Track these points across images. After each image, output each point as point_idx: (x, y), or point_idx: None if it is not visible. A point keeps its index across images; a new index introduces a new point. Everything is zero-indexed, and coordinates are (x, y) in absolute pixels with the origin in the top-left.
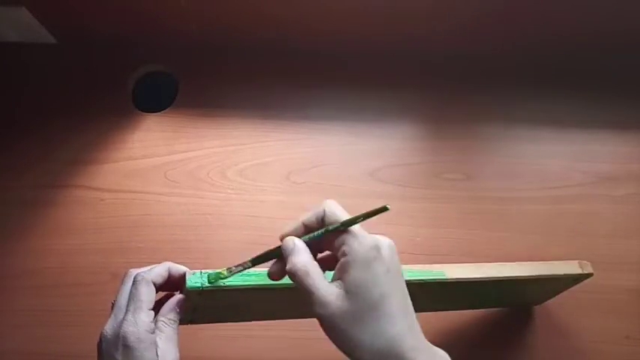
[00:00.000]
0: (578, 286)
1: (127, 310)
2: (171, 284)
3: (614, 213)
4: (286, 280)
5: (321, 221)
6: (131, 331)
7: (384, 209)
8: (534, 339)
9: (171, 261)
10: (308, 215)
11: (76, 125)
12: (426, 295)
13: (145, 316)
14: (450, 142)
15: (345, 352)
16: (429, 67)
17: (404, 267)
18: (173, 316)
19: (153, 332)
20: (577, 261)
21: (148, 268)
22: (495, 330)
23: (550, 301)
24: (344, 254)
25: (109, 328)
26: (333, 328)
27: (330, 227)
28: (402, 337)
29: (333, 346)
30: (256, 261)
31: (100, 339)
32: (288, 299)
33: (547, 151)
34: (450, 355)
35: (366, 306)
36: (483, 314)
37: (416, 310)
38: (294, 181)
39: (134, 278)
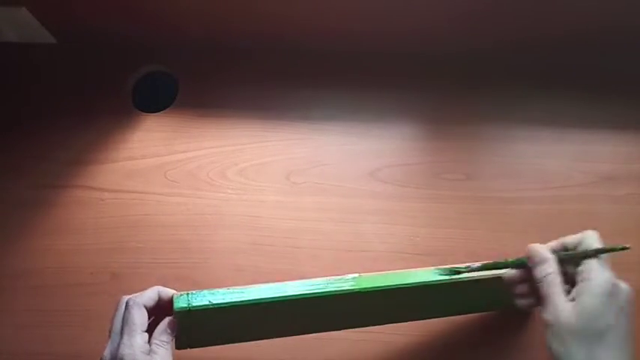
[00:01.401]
0: None
1: (122, 334)
2: (163, 308)
3: (614, 213)
4: (282, 293)
5: (574, 248)
6: (127, 353)
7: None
8: (534, 339)
9: (172, 261)
10: (571, 239)
11: (76, 125)
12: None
13: (140, 338)
14: (450, 142)
15: (556, 358)
16: (429, 67)
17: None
18: (165, 337)
19: (148, 354)
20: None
21: (139, 293)
22: (495, 330)
23: None
24: (587, 279)
25: (107, 352)
26: (557, 335)
27: (589, 251)
28: None
29: (334, 347)
30: (488, 267)
31: None
32: (287, 314)
33: (547, 151)
34: (450, 355)
35: (591, 330)
36: (482, 314)
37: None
38: (294, 181)
39: (126, 303)
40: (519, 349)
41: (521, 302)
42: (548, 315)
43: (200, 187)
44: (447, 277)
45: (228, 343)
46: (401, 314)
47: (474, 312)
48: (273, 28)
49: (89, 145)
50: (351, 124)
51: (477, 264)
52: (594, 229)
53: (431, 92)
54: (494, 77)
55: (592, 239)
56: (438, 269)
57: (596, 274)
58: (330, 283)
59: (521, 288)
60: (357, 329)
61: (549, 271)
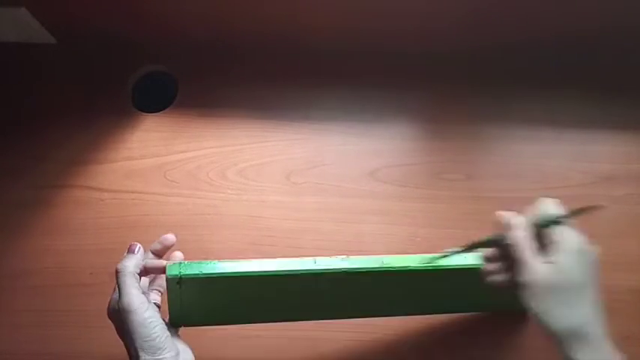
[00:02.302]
0: None
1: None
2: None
3: (614, 213)
4: (281, 267)
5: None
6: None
7: (593, 208)
8: (534, 339)
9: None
10: (531, 209)
11: (75, 125)
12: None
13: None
14: (450, 142)
15: (537, 317)
16: (429, 67)
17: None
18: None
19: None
20: None
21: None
22: (494, 330)
23: None
24: (559, 240)
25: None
26: (536, 294)
27: (554, 218)
28: (591, 323)
29: (334, 347)
30: (471, 247)
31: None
32: (277, 294)
33: (546, 151)
34: (449, 355)
35: (571, 286)
36: (482, 314)
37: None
38: (294, 181)
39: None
40: (519, 349)
41: (496, 279)
42: (525, 276)
43: (200, 187)
44: (427, 262)
45: (220, 324)
46: (391, 306)
47: (465, 311)
48: (273, 29)
49: (89, 145)
50: (351, 124)
51: (457, 248)
52: (594, 229)
53: (431, 92)
54: (495, 77)
55: (552, 207)
56: (423, 257)
57: (566, 234)
58: (320, 261)
59: (497, 265)
60: (355, 329)
61: (521, 234)
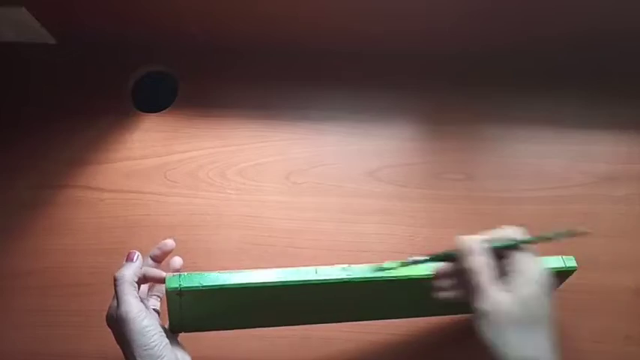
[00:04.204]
0: (578, 286)
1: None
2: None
3: (614, 213)
4: (271, 279)
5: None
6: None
7: (569, 233)
8: None
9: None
10: (493, 233)
11: (75, 125)
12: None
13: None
14: (450, 142)
15: (494, 348)
16: (429, 67)
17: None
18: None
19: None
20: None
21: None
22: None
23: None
24: (520, 270)
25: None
26: (494, 324)
27: (518, 241)
28: (546, 354)
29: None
30: (435, 259)
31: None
32: (276, 302)
33: (547, 151)
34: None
35: (531, 318)
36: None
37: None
38: (294, 181)
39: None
40: None
41: (445, 295)
42: (482, 304)
43: (200, 187)
44: (378, 274)
45: (220, 329)
46: (386, 309)
47: (434, 314)
48: (273, 29)
49: (89, 145)
50: (351, 124)
51: (410, 259)
52: (594, 229)
53: (431, 92)
54: (495, 77)
55: (514, 232)
56: (373, 266)
57: (528, 264)
58: (322, 271)
59: (448, 281)
60: (352, 330)
61: (479, 260)
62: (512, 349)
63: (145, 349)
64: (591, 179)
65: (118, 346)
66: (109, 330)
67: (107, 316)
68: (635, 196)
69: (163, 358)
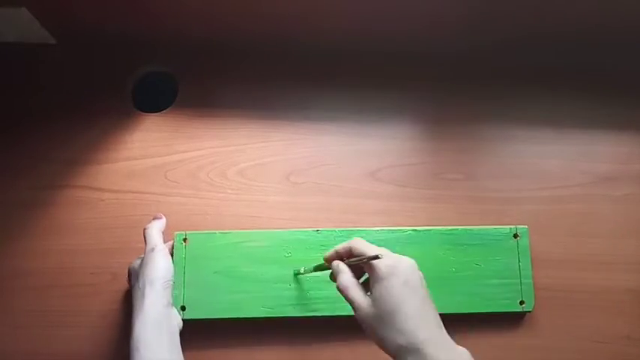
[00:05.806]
0: (578, 286)
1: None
2: None
3: (614, 213)
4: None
5: (349, 251)
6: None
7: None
8: (534, 339)
9: None
10: (341, 246)
11: (76, 125)
12: None
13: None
14: (450, 142)
15: (379, 346)
16: (429, 67)
17: None
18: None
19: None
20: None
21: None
22: (494, 330)
23: (549, 301)
24: (371, 275)
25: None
26: (366, 327)
27: (365, 259)
28: (416, 332)
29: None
30: (317, 269)
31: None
32: None
33: (547, 151)
34: None
35: (385, 311)
36: (482, 315)
37: None
38: (294, 181)
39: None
40: (519, 349)
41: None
42: (355, 313)
43: (200, 187)
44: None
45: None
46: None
47: None
48: (273, 29)
49: (89, 145)
50: (351, 124)
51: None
52: (594, 229)
53: (431, 92)
54: (495, 77)
55: (361, 243)
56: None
57: (376, 266)
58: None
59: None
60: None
61: (346, 278)
62: (387, 342)
63: (164, 284)
64: (591, 179)
65: (118, 346)
66: (110, 329)
67: (129, 269)
68: (635, 196)
69: (170, 300)
